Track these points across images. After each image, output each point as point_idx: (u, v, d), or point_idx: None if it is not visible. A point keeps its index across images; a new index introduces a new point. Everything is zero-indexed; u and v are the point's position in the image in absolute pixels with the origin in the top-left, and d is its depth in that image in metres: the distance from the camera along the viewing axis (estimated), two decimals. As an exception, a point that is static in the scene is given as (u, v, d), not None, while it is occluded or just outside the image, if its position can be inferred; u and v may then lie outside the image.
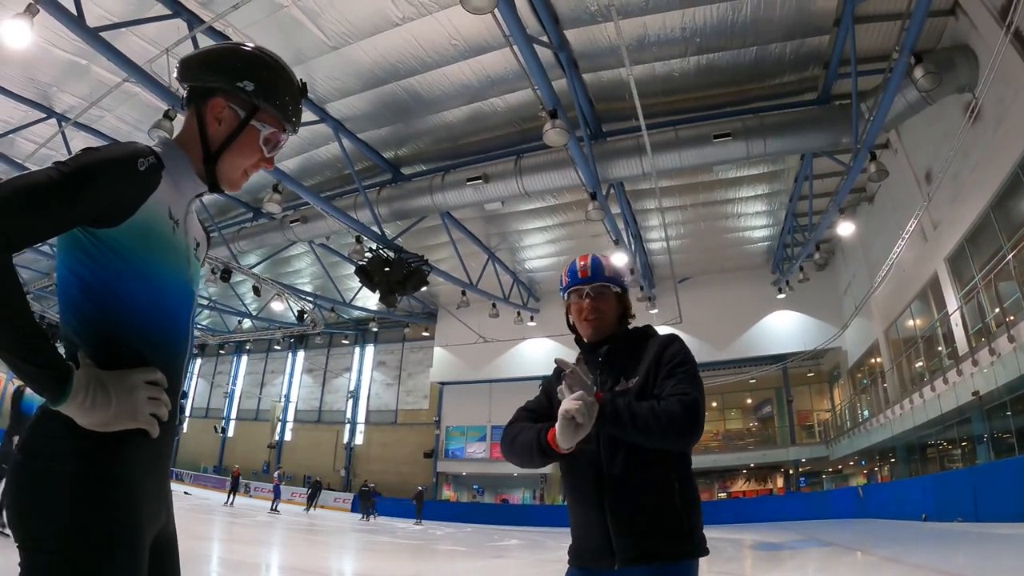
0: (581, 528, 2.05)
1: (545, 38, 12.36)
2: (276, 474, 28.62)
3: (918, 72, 11.45)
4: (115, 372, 1.37)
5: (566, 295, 2.30)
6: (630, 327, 2.31)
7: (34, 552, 1.29)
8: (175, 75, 1.65)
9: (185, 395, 1.62)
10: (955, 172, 14.15)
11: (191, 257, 1.60)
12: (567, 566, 2.09)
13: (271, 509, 24.44)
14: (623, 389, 2.07)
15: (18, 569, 1.28)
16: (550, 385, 2.26)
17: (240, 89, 1.59)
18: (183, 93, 1.64)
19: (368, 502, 27.98)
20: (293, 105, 1.69)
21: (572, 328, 2.34)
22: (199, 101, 1.61)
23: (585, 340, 2.28)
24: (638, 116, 12.83)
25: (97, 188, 1.34)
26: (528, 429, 2.08)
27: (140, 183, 1.42)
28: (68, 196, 1.30)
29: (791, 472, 28.35)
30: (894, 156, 17.45)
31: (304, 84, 1.72)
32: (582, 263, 2.28)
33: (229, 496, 26.26)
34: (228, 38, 12.75)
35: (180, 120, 12.20)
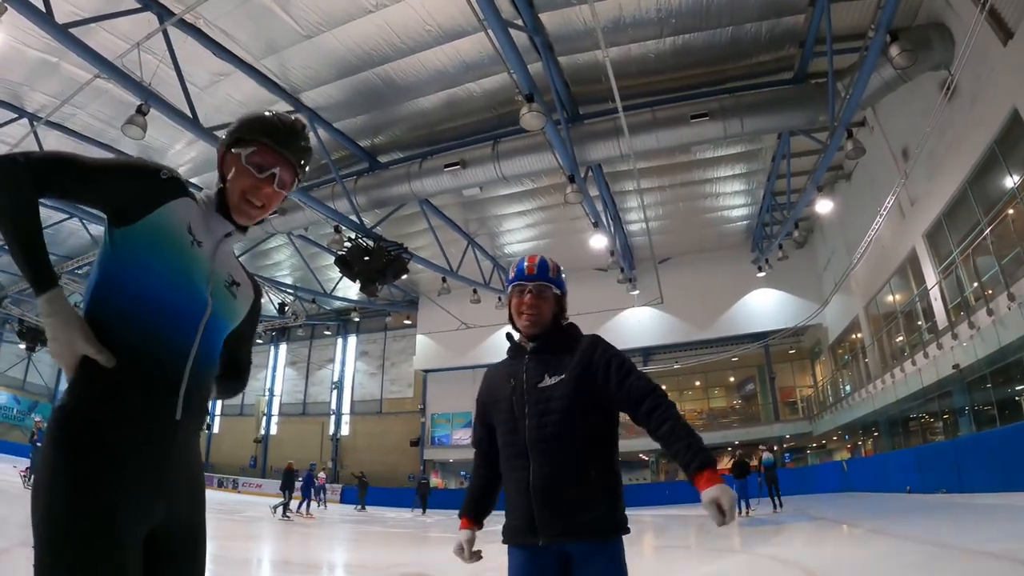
0: (511, 509, 2.23)
1: (520, 21, 12.25)
2: (322, 473, 28.17)
3: (894, 50, 11.52)
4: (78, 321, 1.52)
5: (510, 288, 2.42)
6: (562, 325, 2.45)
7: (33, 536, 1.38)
8: None
9: (190, 395, 1.63)
10: (932, 148, 14.23)
11: (218, 281, 1.75)
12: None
13: (302, 510, 19.91)
14: (546, 385, 2.22)
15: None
16: (483, 406, 2.46)
17: (229, 135, 1.84)
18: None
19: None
20: (272, 128, 1.82)
21: (511, 319, 2.44)
22: None
23: (521, 333, 2.40)
24: (615, 98, 12.76)
25: (123, 177, 1.64)
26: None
27: (159, 188, 1.67)
28: (98, 172, 1.61)
29: (775, 448, 28.60)
30: (871, 134, 17.55)
31: (297, 120, 1.90)
32: (529, 262, 2.42)
33: None
34: (199, 30, 12.66)
35: (153, 115, 12.18)
